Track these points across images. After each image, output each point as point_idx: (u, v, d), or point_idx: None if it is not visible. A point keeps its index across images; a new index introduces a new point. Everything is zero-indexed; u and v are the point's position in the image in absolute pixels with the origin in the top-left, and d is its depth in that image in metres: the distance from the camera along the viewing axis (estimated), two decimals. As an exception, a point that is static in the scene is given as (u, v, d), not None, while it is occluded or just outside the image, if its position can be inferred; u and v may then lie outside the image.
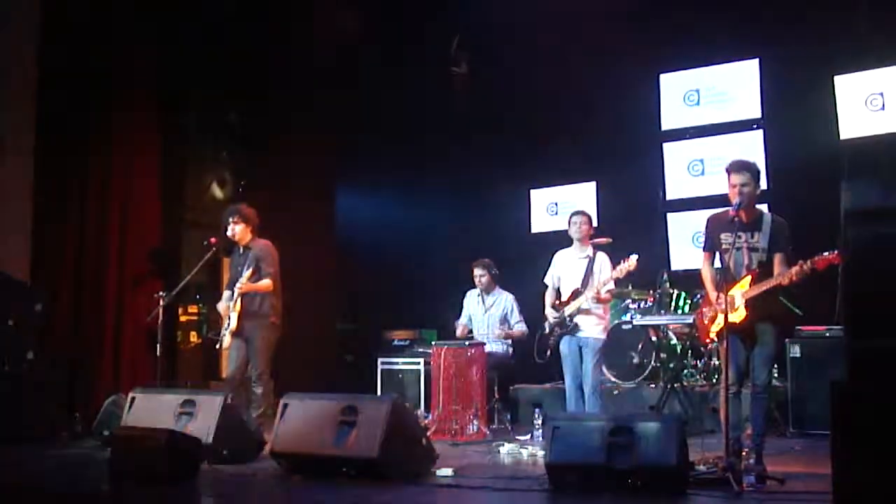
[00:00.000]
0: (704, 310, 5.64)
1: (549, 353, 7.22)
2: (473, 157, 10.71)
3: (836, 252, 4.96)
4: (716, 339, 5.53)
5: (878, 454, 3.20)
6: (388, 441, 5.21)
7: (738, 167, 5.41)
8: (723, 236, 5.45)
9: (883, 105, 8.43)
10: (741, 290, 5.30)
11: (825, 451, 3.56)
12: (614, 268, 7.02)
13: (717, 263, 5.58)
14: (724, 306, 5.13)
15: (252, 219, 7.44)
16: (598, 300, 7.04)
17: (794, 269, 5.18)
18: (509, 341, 8.37)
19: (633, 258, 6.80)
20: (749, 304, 5.27)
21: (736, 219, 5.30)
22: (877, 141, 8.37)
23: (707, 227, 5.66)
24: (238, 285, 7.18)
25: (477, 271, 8.50)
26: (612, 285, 7.08)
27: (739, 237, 5.36)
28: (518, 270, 8.81)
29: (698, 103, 9.86)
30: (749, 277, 5.32)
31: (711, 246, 5.59)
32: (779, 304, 5.40)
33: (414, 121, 10.69)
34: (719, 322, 5.32)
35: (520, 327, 8.35)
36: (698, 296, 7.91)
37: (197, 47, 9.81)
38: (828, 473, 3.44)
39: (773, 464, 5.37)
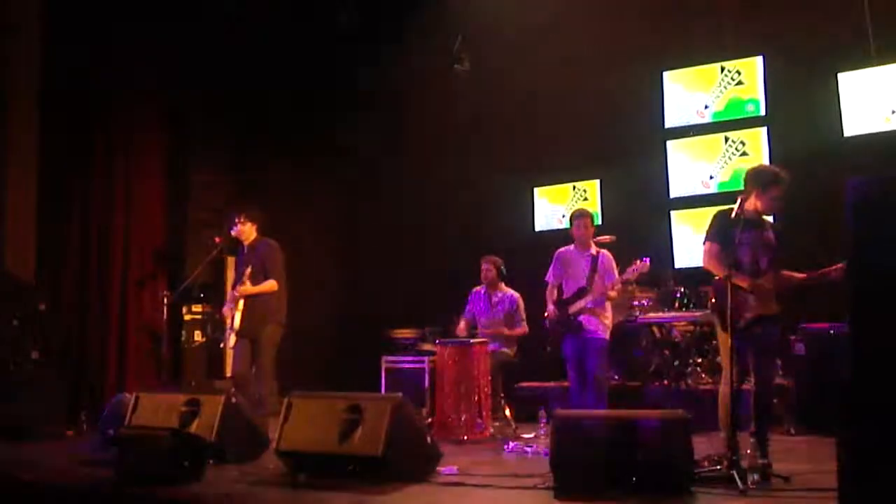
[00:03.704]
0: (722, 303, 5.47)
1: (549, 349, 7.23)
2: (476, 154, 10.69)
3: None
4: (746, 332, 5.40)
5: (884, 452, 3.20)
6: (393, 439, 5.21)
7: (786, 179, 5.51)
8: (736, 231, 5.43)
9: (887, 102, 8.41)
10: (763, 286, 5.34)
11: (830, 449, 3.56)
12: (618, 266, 7.02)
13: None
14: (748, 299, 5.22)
15: (257, 218, 7.45)
16: (606, 299, 7.04)
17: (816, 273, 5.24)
18: (514, 339, 8.37)
19: (646, 261, 6.79)
20: (759, 299, 5.31)
21: (742, 216, 5.37)
22: (881, 138, 8.37)
23: (717, 221, 5.62)
24: (238, 288, 7.19)
25: (484, 265, 8.49)
26: (619, 286, 7.10)
27: (751, 234, 5.43)
28: (521, 268, 8.80)
29: (702, 100, 9.85)
30: (769, 273, 5.37)
31: (721, 239, 5.50)
32: (780, 301, 5.42)
33: (415, 119, 10.68)
34: (747, 314, 5.33)
35: (520, 327, 8.35)
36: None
37: (200, 48, 9.82)
38: (833, 471, 3.44)
39: (777, 461, 5.36)
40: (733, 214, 5.38)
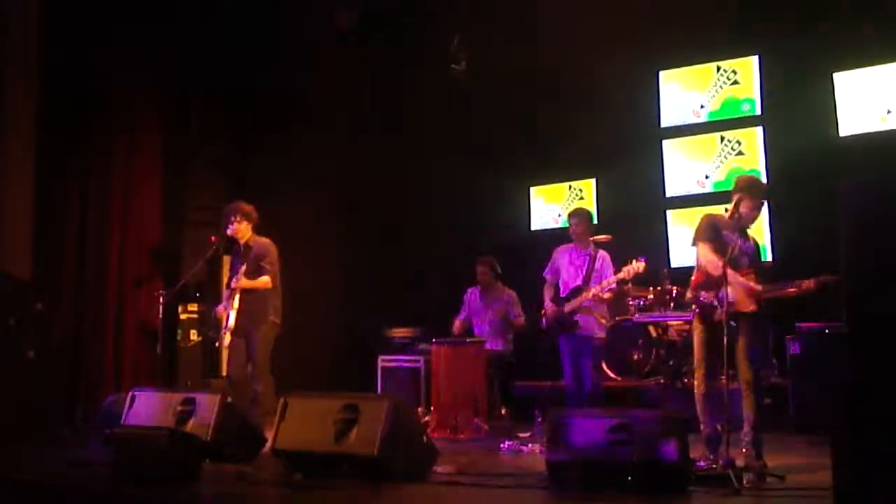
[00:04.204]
0: (704, 292, 5.63)
1: (546, 348, 7.25)
2: (473, 154, 10.71)
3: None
4: (733, 323, 5.49)
5: (879, 450, 3.21)
6: (389, 439, 5.20)
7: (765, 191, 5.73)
8: (724, 233, 5.59)
9: (882, 102, 8.43)
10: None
11: (825, 448, 3.57)
12: (614, 265, 7.04)
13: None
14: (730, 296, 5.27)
15: (252, 216, 7.44)
16: (601, 299, 7.06)
17: (807, 282, 5.38)
18: (510, 337, 8.38)
19: (642, 262, 6.81)
20: (738, 295, 5.40)
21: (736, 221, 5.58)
22: (876, 138, 8.38)
23: (706, 222, 5.74)
24: (234, 282, 7.19)
25: (479, 268, 8.54)
26: (614, 285, 7.11)
27: (737, 238, 5.53)
28: (518, 267, 8.81)
29: (697, 100, 9.87)
30: (753, 274, 5.43)
31: (712, 239, 5.61)
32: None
33: (414, 118, 10.68)
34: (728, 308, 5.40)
35: (519, 320, 8.38)
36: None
37: (200, 48, 9.82)
38: (828, 470, 3.45)
39: (773, 460, 5.38)
40: (729, 215, 5.46)
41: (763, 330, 5.57)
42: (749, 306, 5.41)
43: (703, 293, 5.64)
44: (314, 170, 10.73)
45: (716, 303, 5.45)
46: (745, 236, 5.66)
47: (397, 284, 10.47)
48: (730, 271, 5.39)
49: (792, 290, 5.43)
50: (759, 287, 5.45)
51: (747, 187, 5.66)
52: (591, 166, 10.45)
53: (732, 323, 5.42)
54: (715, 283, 5.54)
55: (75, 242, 8.82)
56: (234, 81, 10.30)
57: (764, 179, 9.15)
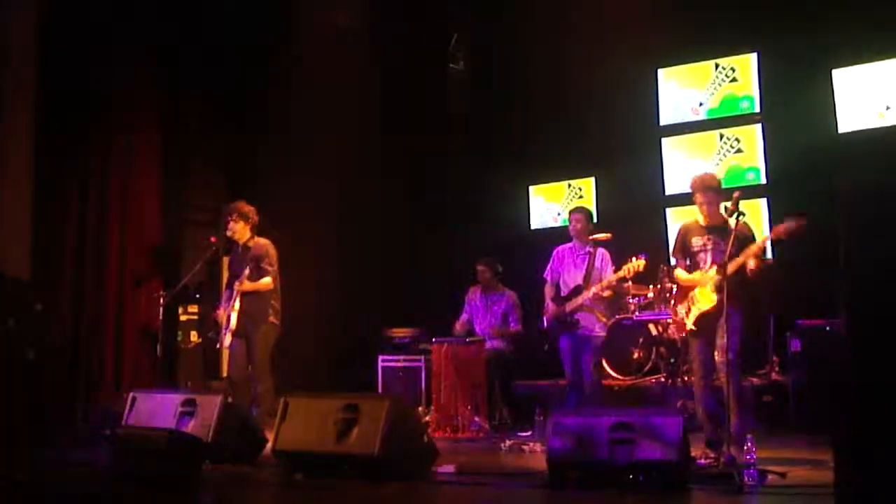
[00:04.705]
0: (678, 307, 5.98)
1: (546, 347, 7.24)
2: (472, 153, 10.69)
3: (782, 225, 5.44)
4: (696, 328, 5.81)
5: (880, 449, 3.20)
6: (389, 439, 5.21)
7: (702, 187, 5.99)
8: (694, 240, 5.94)
9: (881, 98, 8.42)
10: (712, 281, 5.67)
11: (826, 445, 3.57)
12: (614, 264, 7.04)
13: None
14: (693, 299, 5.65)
15: (251, 217, 7.42)
16: (601, 298, 7.06)
17: (752, 247, 5.54)
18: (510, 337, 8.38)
19: (642, 260, 6.82)
20: (718, 290, 5.58)
21: (707, 224, 5.94)
22: (875, 134, 8.38)
23: (679, 235, 6.13)
24: (236, 285, 7.17)
25: (479, 268, 8.54)
26: (614, 283, 7.12)
27: (709, 240, 5.85)
28: (517, 267, 8.80)
29: (696, 97, 9.86)
30: (714, 268, 5.64)
31: (684, 251, 6.03)
32: (742, 291, 5.60)
33: (413, 117, 10.68)
34: (694, 312, 5.79)
35: (516, 326, 8.38)
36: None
37: (198, 46, 9.81)
38: (829, 467, 3.44)
39: (774, 458, 5.37)
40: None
41: (737, 319, 5.59)
42: (712, 301, 5.64)
43: (679, 308, 5.95)
44: (314, 170, 10.73)
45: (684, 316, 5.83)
46: (725, 233, 5.70)
47: (397, 284, 10.46)
48: (686, 275, 5.92)
49: (753, 252, 5.50)
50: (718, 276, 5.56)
51: (719, 185, 6.04)
52: (590, 165, 10.45)
53: (694, 328, 5.78)
54: (684, 294, 5.91)
55: (74, 243, 8.80)
56: (233, 81, 10.29)
57: (763, 177, 9.19)
